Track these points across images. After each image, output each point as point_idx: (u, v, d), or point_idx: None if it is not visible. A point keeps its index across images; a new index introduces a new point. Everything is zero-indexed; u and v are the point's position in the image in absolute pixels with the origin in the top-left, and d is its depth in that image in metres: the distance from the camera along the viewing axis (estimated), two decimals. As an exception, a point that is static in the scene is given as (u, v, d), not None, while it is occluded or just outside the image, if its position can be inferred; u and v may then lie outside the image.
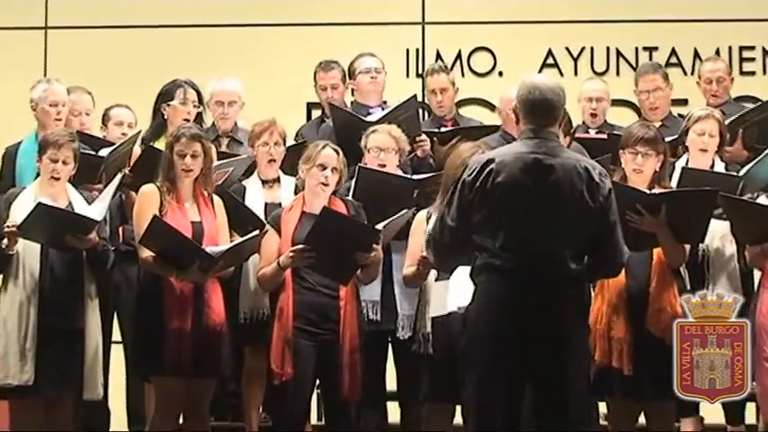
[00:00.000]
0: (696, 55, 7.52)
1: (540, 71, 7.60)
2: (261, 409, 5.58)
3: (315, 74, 6.45)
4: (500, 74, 7.54)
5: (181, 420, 5.09)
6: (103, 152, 5.52)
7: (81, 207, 5.16)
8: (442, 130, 6.05)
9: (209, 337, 4.97)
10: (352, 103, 6.37)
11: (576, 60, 7.65)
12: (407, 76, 7.65)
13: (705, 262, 5.29)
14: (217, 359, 5.01)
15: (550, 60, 7.65)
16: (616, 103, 7.03)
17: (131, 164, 5.55)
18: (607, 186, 4.13)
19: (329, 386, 5.03)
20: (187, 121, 5.64)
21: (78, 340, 5.09)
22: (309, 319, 4.98)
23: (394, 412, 5.64)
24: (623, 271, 4.80)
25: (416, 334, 5.09)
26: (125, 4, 7.76)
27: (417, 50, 7.70)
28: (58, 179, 5.15)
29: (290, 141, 5.90)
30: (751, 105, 6.28)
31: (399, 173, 5.54)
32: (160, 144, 5.50)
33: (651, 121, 5.89)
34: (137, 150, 5.62)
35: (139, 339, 5.07)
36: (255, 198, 5.49)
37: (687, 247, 4.97)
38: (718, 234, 5.25)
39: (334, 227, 4.94)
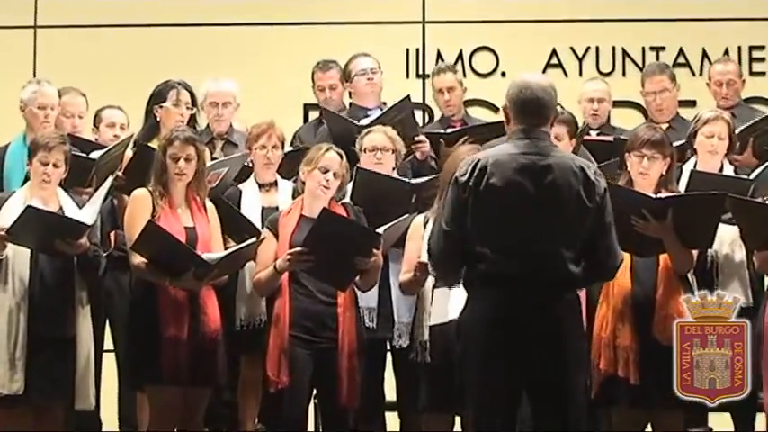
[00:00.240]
0: (704, 55, 7.54)
1: (543, 71, 7.61)
2: (256, 420, 5.58)
3: (312, 74, 6.49)
4: (503, 74, 7.53)
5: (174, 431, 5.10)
6: (95, 155, 5.52)
7: (72, 211, 5.16)
8: (449, 131, 6.06)
9: (204, 344, 4.99)
10: (350, 105, 6.39)
11: (580, 60, 7.67)
12: (407, 76, 7.66)
13: (714, 268, 5.30)
14: (213, 368, 5.02)
15: (554, 60, 7.66)
16: (622, 104, 7.07)
17: (124, 167, 5.55)
18: (602, 186, 4.13)
19: (327, 395, 5.06)
20: (180, 123, 5.64)
21: (69, 348, 5.10)
22: (306, 326, 5.00)
23: (393, 423, 5.67)
24: (629, 277, 4.88)
25: (414, 342, 5.10)
26: (117, 2, 7.77)
27: (417, 50, 7.70)
28: (48, 183, 5.16)
29: (288, 144, 5.93)
30: (762, 109, 6.32)
31: (396, 175, 5.56)
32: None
33: (657, 123, 5.91)
34: (129, 154, 5.62)
35: (133, 348, 5.08)
36: (252, 202, 5.51)
37: (695, 252, 4.98)
38: (728, 239, 5.25)
39: (333, 229, 4.95)
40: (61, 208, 5.18)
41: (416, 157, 5.89)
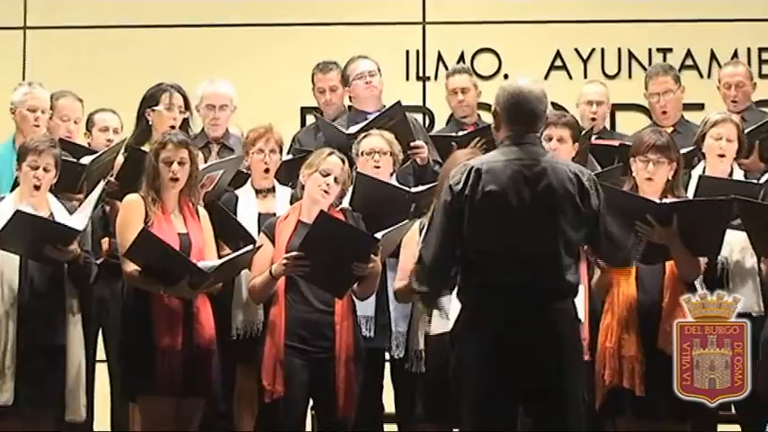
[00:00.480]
0: (713, 57, 7.56)
1: (547, 73, 7.66)
2: (252, 432, 5.63)
3: (312, 75, 6.51)
4: (505, 76, 7.49)
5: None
6: (85, 160, 5.53)
7: (62, 217, 5.17)
8: (460, 133, 6.07)
9: (199, 354, 5.00)
10: (349, 108, 6.40)
11: (585, 62, 7.69)
12: (407, 79, 7.69)
13: (725, 275, 5.30)
14: (207, 378, 5.04)
15: (558, 62, 7.68)
16: (628, 107, 7.09)
17: (116, 172, 5.55)
18: (594, 190, 4.15)
19: (323, 406, 5.08)
20: (173, 128, 5.65)
21: (60, 358, 5.11)
22: (301, 336, 5.02)
23: (392, 435, 5.70)
24: (634, 285, 4.90)
25: (408, 352, 5.12)
26: (108, 3, 7.79)
27: (418, 52, 7.73)
28: (38, 188, 5.17)
29: (286, 148, 5.94)
30: (769, 112, 6.35)
31: (394, 181, 5.58)
32: (144, 152, 5.52)
33: (662, 126, 5.93)
34: (120, 159, 5.61)
35: (125, 357, 5.10)
36: (249, 209, 5.52)
37: (702, 259, 4.99)
38: (738, 246, 5.26)
39: (330, 233, 4.95)
40: (52, 213, 5.18)
41: (417, 162, 5.90)
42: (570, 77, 7.64)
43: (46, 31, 7.78)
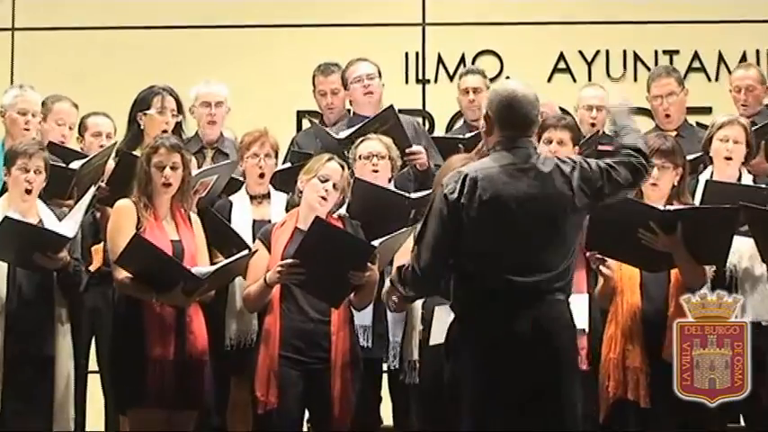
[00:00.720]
0: (720, 59, 7.59)
1: (550, 76, 7.68)
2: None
3: (313, 78, 6.53)
4: (507, 79, 7.40)
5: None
6: (75, 165, 5.53)
7: (52, 223, 5.18)
8: (467, 135, 6.08)
9: (191, 365, 5.01)
10: (351, 113, 6.41)
11: (589, 65, 7.71)
12: (406, 81, 7.71)
13: (734, 283, 5.28)
14: (200, 389, 5.05)
15: (562, 65, 7.71)
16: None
17: (107, 177, 5.55)
18: (576, 171, 4.16)
19: (319, 417, 5.09)
20: (165, 132, 5.65)
21: (48, 368, 5.12)
22: (296, 346, 5.03)
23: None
24: (638, 294, 4.92)
25: (403, 362, 5.13)
26: (98, 4, 7.81)
27: (417, 54, 7.75)
28: (30, 191, 5.19)
29: (283, 152, 5.95)
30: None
31: (392, 187, 5.59)
32: (135, 157, 5.52)
33: (665, 130, 5.94)
34: (111, 164, 5.62)
35: (116, 368, 5.12)
36: (243, 215, 5.53)
37: (708, 267, 4.99)
38: (747, 253, 5.26)
39: (326, 240, 4.96)
40: (41, 220, 5.20)
41: (416, 167, 5.91)
42: (574, 80, 7.65)
43: (35, 33, 7.80)
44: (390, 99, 6.30)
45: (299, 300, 5.07)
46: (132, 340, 4.97)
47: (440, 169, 4.94)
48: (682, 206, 4.98)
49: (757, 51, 7.58)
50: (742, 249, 5.21)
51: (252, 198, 5.62)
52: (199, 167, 5.70)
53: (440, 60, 7.73)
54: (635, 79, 7.56)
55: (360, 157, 5.55)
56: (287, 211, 5.47)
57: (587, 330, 5.07)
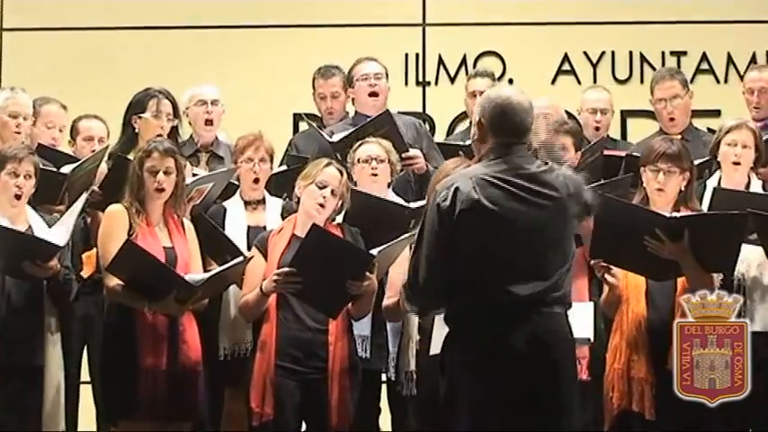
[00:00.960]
0: (730, 60, 7.60)
1: (554, 78, 7.68)
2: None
3: (313, 80, 6.53)
4: (510, 81, 7.54)
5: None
6: (66, 169, 5.54)
7: (41, 230, 5.19)
8: (467, 142, 6.07)
9: (184, 375, 5.02)
10: (355, 113, 6.41)
11: (594, 66, 7.72)
12: (406, 83, 7.71)
13: (742, 292, 5.26)
14: (193, 400, 5.06)
15: (566, 66, 7.71)
16: (640, 114, 7.08)
17: (100, 182, 5.55)
18: (569, 179, 4.18)
19: (316, 430, 5.11)
20: (160, 136, 5.63)
21: (38, 378, 5.13)
22: (293, 356, 5.05)
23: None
24: (644, 303, 4.92)
25: (399, 373, 5.14)
26: (90, 3, 7.81)
27: (417, 55, 7.75)
28: (19, 197, 5.20)
29: (278, 157, 5.96)
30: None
31: (391, 192, 5.62)
32: (129, 161, 5.52)
33: (669, 134, 5.91)
34: (104, 168, 5.64)
35: (107, 378, 5.13)
36: (237, 221, 5.54)
37: (715, 275, 4.99)
38: (756, 262, 5.27)
39: (323, 248, 4.97)
40: (30, 227, 5.21)
41: (414, 172, 5.93)
42: (579, 82, 7.64)
43: (23, 33, 7.80)
44: (390, 101, 6.35)
45: (296, 308, 5.09)
46: (124, 349, 4.98)
47: (433, 176, 4.92)
48: (688, 213, 4.99)
49: (767, 52, 7.58)
50: (750, 258, 5.22)
51: (246, 204, 5.63)
52: (192, 171, 5.71)
53: (440, 62, 7.73)
54: (641, 81, 7.54)
55: (358, 160, 5.57)
56: (282, 216, 5.49)
57: (592, 340, 5.11)
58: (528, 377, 4.05)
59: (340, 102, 6.48)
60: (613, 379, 4.94)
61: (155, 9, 7.81)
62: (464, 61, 7.71)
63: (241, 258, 5.13)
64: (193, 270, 5.11)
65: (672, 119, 6.30)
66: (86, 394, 5.79)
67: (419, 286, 4.14)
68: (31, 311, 5.18)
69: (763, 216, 4.99)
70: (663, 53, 7.68)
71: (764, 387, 4.86)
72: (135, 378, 4.94)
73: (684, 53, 7.66)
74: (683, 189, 5.06)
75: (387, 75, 6.37)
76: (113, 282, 5.00)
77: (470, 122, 6.49)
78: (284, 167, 5.99)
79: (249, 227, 5.55)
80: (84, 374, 5.84)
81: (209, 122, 6.25)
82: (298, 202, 5.25)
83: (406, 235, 5.14)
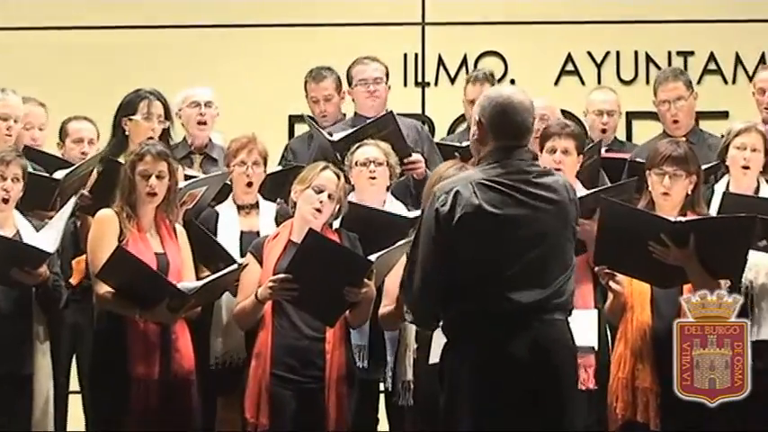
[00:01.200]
0: (738, 60, 7.62)
1: (558, 78, 7.70)
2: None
3: (305, 84, 6.55)
4: (512, 82, 7.54)
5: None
6: (59, 174, 5.53)
7: (30, 236, 5.19)
8: (464, 143, 6.03)
9: (177, 384, 5.04)
10: (354, 114, 6.43)
11: (599, 66, 7.74)
12: (405, 84, 7.72)
13: (749, 300, 5.22)
14: (186, 410, 5.07)
15: (570, 67, 7.73)
16: (646, 115, 7.06)
17: (90, 185, 5.53)
18: (569, 183, 4.25)
19: (313, 441, 5.13)
20: (151, 139, 5.63)
21: (26, 387, 5.15)
22: (289, 364, 5.06)
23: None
24: (649, 311, 4.93)
25: (396, 383, 5.15)
26: (80, 2, 7.82)
27: (416, 55, 7.77)
28: (7, 201, 5.21)
29: (273, 160, 5.98)
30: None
31: (390, 196, 5.63)
32: (120, 164, 5.51)
33: (673, 137, 5.91)
34: (93, 172, 5.61)
35: (97, 388, 5.13)
36: (230, 226, 5.55)
37: (723, 282, 4.97)
38: (765, 269, 5.26)
39: (320, 254, 4.97)
40: (18, 232, 5.22)
41: (414, 177, 5.93)
42: (583, 83, 7.68)
43: (10, 33, 7.80)
44: (388, 103, 6.35)
45: (292, 316, 5.10)
46: (115, 358, 4.99)
47: (429, 180, 4.90)
48: (694, 217, 4.99)
49: (777, 52, 7.60)
50: (759, 264, 5.21)
51: (239, 208, 5.64)
52: (185, 175, 5.71)
53: (440, 62, 7.75)
54: (647, 82, 7.53)
55: (356, 163, 5.57)
56: (276, 221, 5.51)
57: (596, 348, 5.13)
58: (529, 384, 4.07)
59: (333, 104, 6.50)
60: (617, 389, 4.96)
61: (147, 7, 7.83)
62: (465, 61, 7.73)
63: (235, 266, 5.14)
64: (186, 277, 5.11)
65: (675, 121, 6.31)
66: (75, 404, 5.80)
67: (414, 294, 4.15)
68: (19, 319, 5.18)
69: None
70: (669, 53, 7.70)
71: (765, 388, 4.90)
72: (126, 388, 4.95)
73: (691, 53, 7.69)
74: (689, 193, 5.07)
75: (387, 75, 6.39)
76: (103, 289, 5.01)
77: (467, 125, 6.56)
78: (279, 168, 6.00)
79: (242, 232, 5.56)
80: (73, 384, 5.84)
81: (202, 123, 6.26)
82: (294, 207, 5.26)
83: (405, 240, 5.12)
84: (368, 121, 6.01)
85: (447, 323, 4.19)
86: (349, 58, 6.46)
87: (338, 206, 5.25)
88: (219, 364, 5.43)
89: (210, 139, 6.32)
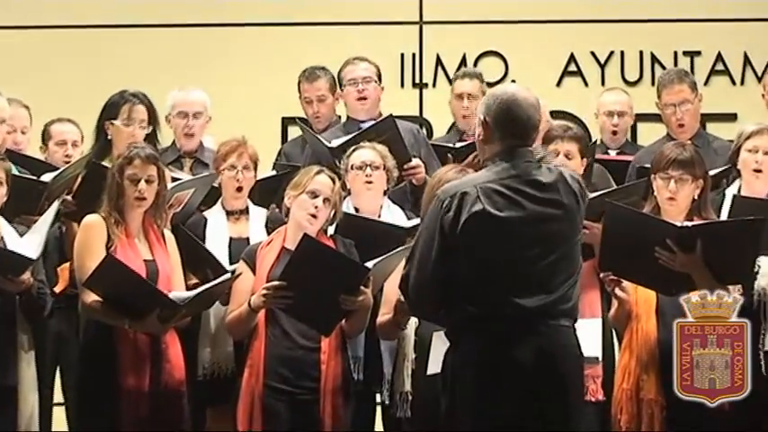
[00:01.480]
0: (746, 61, 7.63)
1: (560, 79, 7.71)
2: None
3: (298, 84, 6.56)
4: (512, 83, 7.36)
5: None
6: (46, 177, 5.51)
7: (13, 242, 5.17)
8: (458, 144, 6.09)
9: (168, 396, 5.04)
10: (347, 117, 6.45)
11: (602, 67, 7.77)
12: (402, 85, 7.74)
13: (761, 308, 5.26)
14: (177, 421, 5.07)
15: (572, 67, 7.75)
16: (651, 117, 7.01)
17: (74, 189, 5.52)
18: (577, 183, 4.25)
19: (307, 454, 5.12)
20: (132, 144, 5.49)
21: (11, 399, 5.14)
22: (283, 375, 5.07)
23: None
24: (654, 320, 4.94)
25: (394, 395, 5.16)
26: (70, 1, 7.83)
27: (414, 55, 7.78)
28: (-9, 206, 5.19)
29: (266, 163, 6.00)
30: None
31: (387, 201, 5.64)
32: (104, 168, 5.48)
33: (678, 140, 5.92)
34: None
35: (86, 399, 5.11)
36: (218, 232, 5.56)
37: (733, 288, 4.95)
38: (776, 274, 5.28)
39: (315, 261, 4.97)
40: (2, 238, 5.21)
41: (413, 182, 5.94)
42: (585, 84, 7.71)
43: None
44: (384, 104, 6.38)
45: (286, 325, 5.10)
46: (103, 369, 4.99)
47: (428, 184, 4.93)
48: (700, 221, 5.00)
49: (787, 52, 7.60)
50: (769, 270, 5.23)
51: (228, 214, 5.64)
52: (173, 175, 5.68)
53: (438, 62, 7.77)
54: (652, 83, 7.45)
55: (352, 167, 5.57)
56: (266, 227, 5.52)
57: (600, 358, 5.15)
58: (533, 389, 4.09)
59: (327, 105, 6.52)
60: (622, 400, 4.97)
61: (136, 6, 7.83)
62: (464, 62, 7.73)
63: (228, 275, 5.15)
64: (176, 284, 5.12)
65: (681, 125, 6.31)
66: (59, 417, 5.81)
67: (414, 297, 4.20)
68: (2, 329, 5.16)
69: None
70: (675, 53, 7.72)
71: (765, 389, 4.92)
72: (116, 400, 4.96)
73: (698, 53, 7.71)
74: (696, 198, 5.08)
75: (379, 75, 6.40)
76: (91, 298, 5.00)
77: (454, 126, 6.55)
78: (270, 173, 6.01)
79: (231, 238, 5.56)
80: (56, 396, 5.85)
81: (189, 135, 6.25)
82: (287, 214, 5.27)
83: (403, 247, 5.13)
84: (367, 125, 6.03)
85: (451, 327, 4.22)
86: (343, 59, 6.48)
87: (333, 211, 5.25)
88: (208, 375, 5.43)
89: (201, 143, 6.32)
